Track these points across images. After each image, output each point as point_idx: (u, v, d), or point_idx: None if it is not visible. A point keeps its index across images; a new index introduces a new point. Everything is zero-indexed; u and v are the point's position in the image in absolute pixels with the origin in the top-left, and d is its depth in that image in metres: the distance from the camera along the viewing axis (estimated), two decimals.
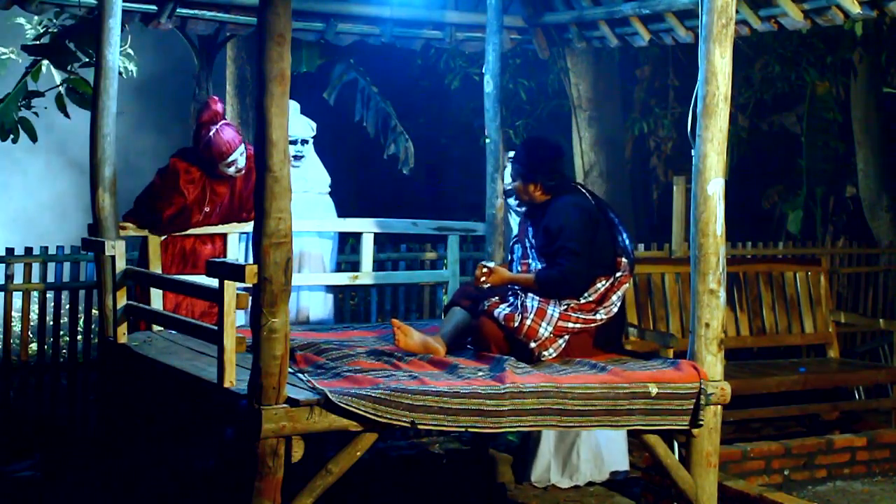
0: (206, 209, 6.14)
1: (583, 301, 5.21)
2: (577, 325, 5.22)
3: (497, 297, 5.36)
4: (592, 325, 5.26)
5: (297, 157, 6.60)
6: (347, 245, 8.34)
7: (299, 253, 6.60)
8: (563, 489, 6.45)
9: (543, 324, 5.15)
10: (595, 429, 6.10)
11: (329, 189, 6.86)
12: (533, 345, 5.14)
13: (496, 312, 5.22)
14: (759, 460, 6.39)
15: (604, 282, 5.24)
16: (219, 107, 6.11)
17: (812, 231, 11.19)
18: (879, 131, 10.52)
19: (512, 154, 6.49)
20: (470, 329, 5.41)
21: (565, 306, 5.19)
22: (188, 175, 6.06)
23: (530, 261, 5.41)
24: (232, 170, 6.11)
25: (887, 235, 10.31)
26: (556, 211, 5.30)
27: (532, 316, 5.16)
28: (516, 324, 5.16)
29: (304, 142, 6.65)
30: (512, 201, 6.57)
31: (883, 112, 10.56)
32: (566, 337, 5.22)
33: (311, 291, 6.76)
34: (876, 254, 9.98)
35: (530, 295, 5.25)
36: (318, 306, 6.82)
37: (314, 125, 6.73)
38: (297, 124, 6.61)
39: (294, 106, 6.72)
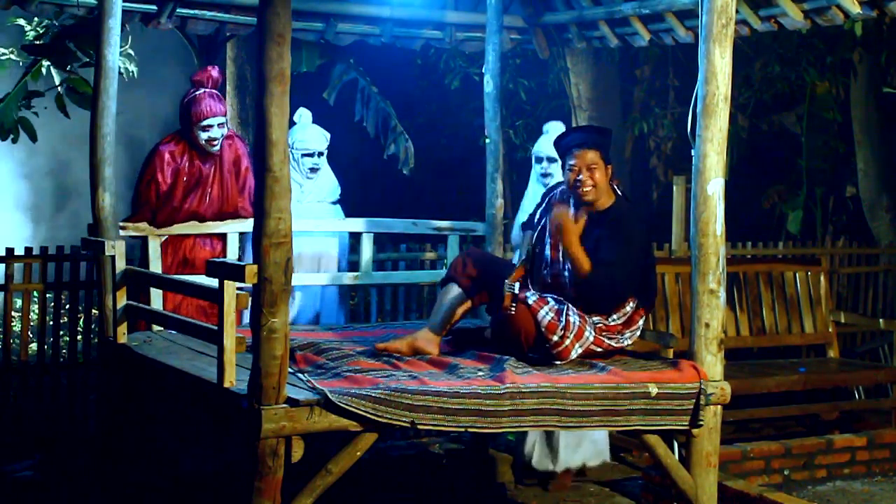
0: (185, 178, 6.13)
1: (611, 323, 5.17)
2: (603, 350, 5.20)
3: (535, 293, 5.17)
4: (618, 351, 5.26)
5: (313, 170, 6.59)
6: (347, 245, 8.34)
7: (318, 255, 6.61)
8: (563, 489, 6.45)
9: (577, 346, 5.07)
10: (595, 429, 6.09)
11: (339, 197, 6.85)
12: (558, 363, 5.08)
13: (540, 315, 5.01)
14: (759, 460, 6.40)
15: (632, 304, 5.19)
16: (213, 72, 6.18)
17: (812, 231, 11.19)
18: (879, 131, 10.51)
19: (547, 136, 6.26)
20: (492, 319, 5.29)
21: (599, 326, 5.12)
22: (168, 146, 6.15)
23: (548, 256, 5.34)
24: (205, 136, 6.12)
25: (887, 235, 10.31)
26: (622, 225, 5.11)
27: (571, 337, 5.04)
28: (555, 337, 5.00)
29: (321, 154, 6.62)
30: (539, 168, 6.31)
31: (883, 112, 10.56)
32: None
33: (328, 291, 6.77)
34: (876, 254, 9.97)
35: (573, 309, 5.08)
36: (335, 307, 6.82)
37: (328, 135, 6.68)
38: (315, 137, 6.60)
39: (307, 115, 6.70)
